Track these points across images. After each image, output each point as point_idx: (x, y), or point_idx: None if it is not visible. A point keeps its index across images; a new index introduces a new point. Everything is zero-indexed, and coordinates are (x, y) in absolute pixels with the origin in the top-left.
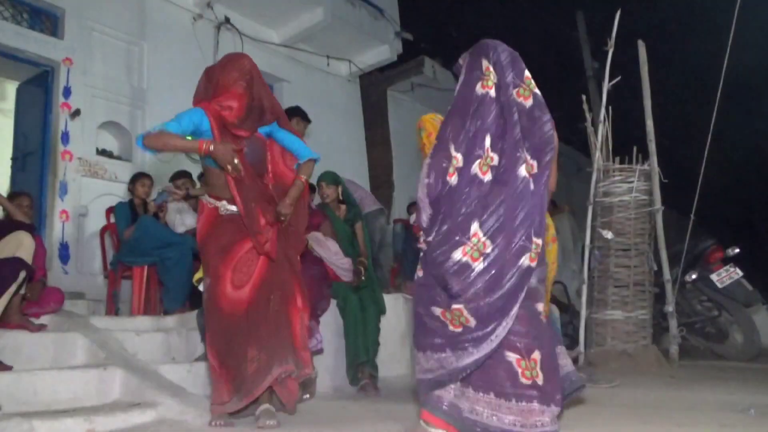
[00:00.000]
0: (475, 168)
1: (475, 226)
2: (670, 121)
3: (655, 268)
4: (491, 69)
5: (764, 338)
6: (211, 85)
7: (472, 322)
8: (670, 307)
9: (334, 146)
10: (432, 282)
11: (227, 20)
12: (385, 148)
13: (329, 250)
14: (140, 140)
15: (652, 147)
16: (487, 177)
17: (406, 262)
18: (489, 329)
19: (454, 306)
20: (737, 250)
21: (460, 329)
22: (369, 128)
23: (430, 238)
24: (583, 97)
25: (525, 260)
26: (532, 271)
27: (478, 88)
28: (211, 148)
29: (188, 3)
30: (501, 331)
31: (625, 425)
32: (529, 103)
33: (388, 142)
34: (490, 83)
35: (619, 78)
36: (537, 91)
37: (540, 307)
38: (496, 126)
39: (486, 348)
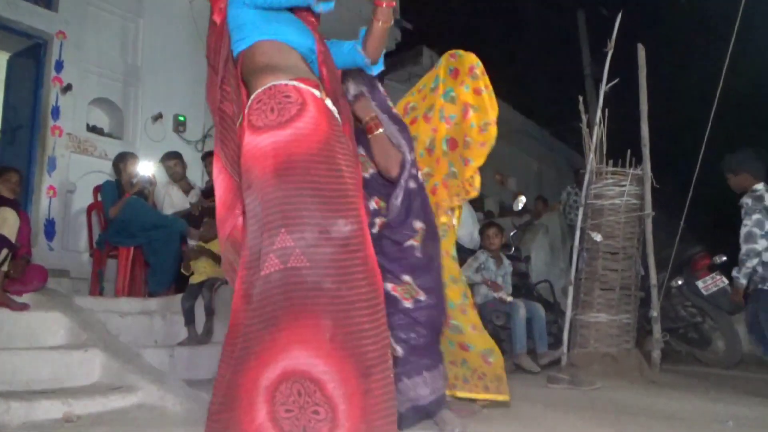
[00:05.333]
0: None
1: (418, 224)
2: (667, 126)
3: (643, 272)
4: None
5: (745, 346)
6: None
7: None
8: (654, 312)
9: None
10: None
11: None
12: None
13: None
14: None
15: (646, 152)
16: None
17: None
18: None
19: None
20: (724, 258)
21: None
22: None
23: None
24: (580, 98)
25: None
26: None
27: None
28: None
29: None
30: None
31: None
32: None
33: None
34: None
35: (617, 80)
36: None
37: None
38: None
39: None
